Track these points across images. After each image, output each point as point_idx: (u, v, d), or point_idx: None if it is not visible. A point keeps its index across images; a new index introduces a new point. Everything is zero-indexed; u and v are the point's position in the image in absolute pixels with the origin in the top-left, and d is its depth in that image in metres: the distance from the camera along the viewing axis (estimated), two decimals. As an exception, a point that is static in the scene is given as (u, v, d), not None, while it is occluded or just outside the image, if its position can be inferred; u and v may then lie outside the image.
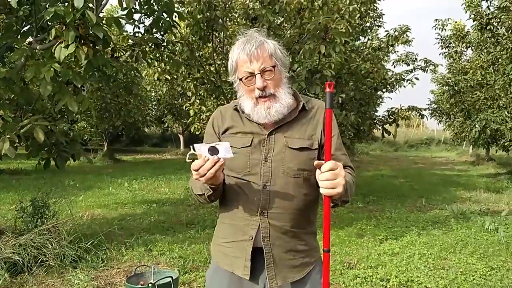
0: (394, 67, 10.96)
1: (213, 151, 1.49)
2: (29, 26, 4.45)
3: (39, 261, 4.22)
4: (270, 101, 1.63)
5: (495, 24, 10.96)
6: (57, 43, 3.68)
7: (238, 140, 1.69)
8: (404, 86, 10.20)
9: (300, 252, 1.70)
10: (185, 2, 6.71)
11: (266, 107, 1.63)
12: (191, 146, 1.54)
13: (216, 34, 7.34)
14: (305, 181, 1.65)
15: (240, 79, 1.66)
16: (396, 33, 9.49)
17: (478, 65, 12.54)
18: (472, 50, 14.36)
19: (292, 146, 1.65)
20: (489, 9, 11.25)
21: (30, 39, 4.43)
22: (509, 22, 10.15)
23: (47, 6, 4.00)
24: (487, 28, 11.03)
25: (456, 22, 14.12)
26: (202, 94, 7.84)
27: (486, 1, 11.40)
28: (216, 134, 1.77)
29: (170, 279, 3.15)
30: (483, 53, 12.54)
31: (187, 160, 1.56)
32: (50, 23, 4.05)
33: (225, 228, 1.76)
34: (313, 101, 1.76)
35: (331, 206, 1.54)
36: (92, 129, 16.67)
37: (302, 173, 1.64)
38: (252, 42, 1.63)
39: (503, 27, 10.64)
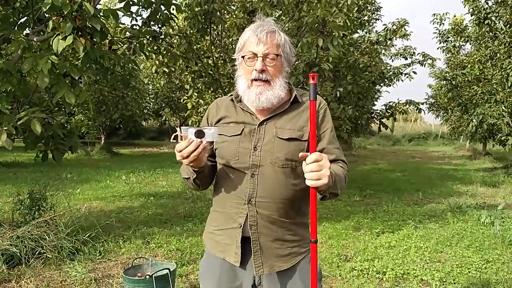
0: (392, 61, 10.97)
1: (199, 134, 1.54)
2: (26, 17, 4.43)
3: (36, 253, 4.23)
4: (264, 87, 1.67)
5: (493, 18, 10.98)
6: (55, 35, 3.66)
7: (230, 129, 1.73)
8: (402, 80, 10.21)
9: (289, 242, 1.70)
10: (183, -5, 6.67)
11: (258, 92, 1.67)
12: (177, 128, 1.60)
13: (214, 27, 7.31)
14: (293, 171, 1.66)
15: (243, 57, 1.70)
16: (394, 27, 9.48)
17: (476, 60, 12.56)
18: (470, 44, 14.37)
19: (281, 136, 1.67)
20: (487, 4, 11.26)
21: (27, 30, 4.41)
22: (507, 16, 10.16)
23: (44, -3, 3.98)
24: (485, 22, 11.04)
25: (454, 16, 14.12)
26: (200, 87, 7.82)
27: (484, -4, 11.42)
28: (208, 124, 1.82)
29: (167, 271, 3.16)
30: (481, 47, 12.54)
31: (171, 140, 1.61)
32: (47, 15, 4.03)
33: (216, 216, 1.80)
34: (305, 94, 1.78)
35: (320, 199, 1.59)
36: (90, 122, 16.64)
37: (290, 163, 1.65)
38: (265, 27, 1.68)
39: (501, 21, 10.65)
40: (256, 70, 1.65)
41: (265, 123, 1.71)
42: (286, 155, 1.65)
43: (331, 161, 1.58)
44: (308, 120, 1.64)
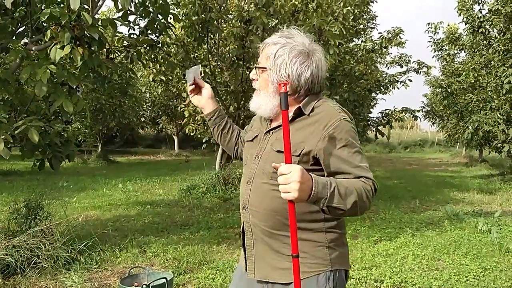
0: (388, 68, 11.04)
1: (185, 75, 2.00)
2: (24, 27, 4.44)
3: (32, 263, 4.20)
4: (255, 94, 1.76)
5: (487, 27, 11.08)
6: (53, 44, 3.67)
7: (250, 134, 1.86)
8: (398, 88, 10.28)
9: (288, 257, 1.57)
10: (180, 4, 6.72)
11: (252, 97, 1.77)
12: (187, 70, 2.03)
13: (211, 36, 7.36)
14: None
15: None
16: (390, 35, 9.56)
17: (471, 68, 12.65)
18: (465, 52, 14.48)
19: (275, 148, 1.66)
20: (481, 12, 11.37)
21: (25, 40, 4.42)
22: (501, 25, 10.25)
23: (42, 7, 4.00)
24: (479, 31, 11.14)
25: (449, 25, 14.23)
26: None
27: (478, 5, 11.53)
28: (247, 127, 2.01)
29: (164, 280, 3.16)
30: (475, 55, 12.64)
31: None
32: (45, 24, 4.04)
33: None
34: (321, 108, 1.66)
35: (322, 212, 1.51)
36: (87, 130, 16.61)
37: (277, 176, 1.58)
38: (270, 38, 1.71)
39: (495, 29, 10.75)
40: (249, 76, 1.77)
41: (270, 132, 1.73)
42: (273, 168, 1.57)
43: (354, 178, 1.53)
44: (309, 136, 1.60)
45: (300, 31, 1.71)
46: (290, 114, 1.64)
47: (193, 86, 1.97)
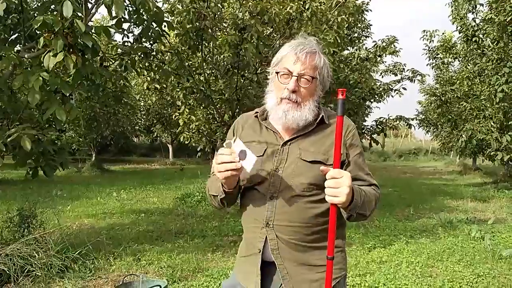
0: (382, 77, 11.10)
1: (242, 155, 1.51)
2: (17, 34, 4.44)
3: (25, 271, 4.17)
4: (292, 106, 1.62)
5: (480, 36, 11.18)
6: (46, 52, 3.67)
7: (252, 149, 1.61)
8: (392, 96, 10.32)
9: (318, 267, 1.61)
10: (175, 12, 6.74)
11: (285, 109, 1.61)
12: (231, 141, 1.55)
13: (206, 44, 7.38)
14: (315, 195, 1.58)
15: (277, 73, 1.64)
16: (384, 44, 9.62)
17: (465, 76, 12.74)
18: (459, 61, 14.59)
19: (305, 158, 1.60)
20: (475, 21, 11.48)
21: (18, 47, 4.42)
22: (494, 33, 10.35)
23: (35, 14, 4.00)
24: (473, 40, 11.24)
25: (443, 33, 14.35)
26: (192, 103, 7.85)
27: (472, 14, 11.64)
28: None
29: (158, 288, 3.14)
30: (469, 64, 12.74)
31: (221, 148, 1.55)
32: (38, 32, 4.04)
33: (242, 243, 1.78)
34: (333, 116, 1.67)
35: (346, 218, 1.55)
36: (80, 139, 16.55)
37: (312, 187, 1.58)
38: (306, 46, 1.62)
39: (488, 38, 10.84)
40: (288, 89, 1.60)
41: (289, 143, 1.65)
42: (309, 179, 1.57)
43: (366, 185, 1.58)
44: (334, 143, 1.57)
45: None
46: (311, 123, 1.66)
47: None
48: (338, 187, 1.39)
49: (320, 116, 1.66)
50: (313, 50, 1.62)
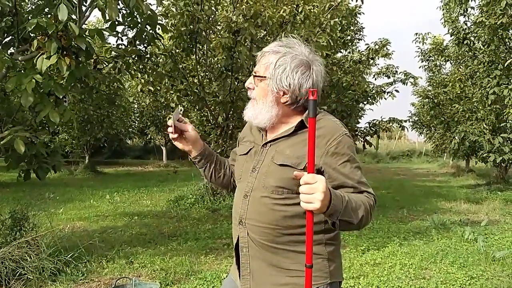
0: (375, 79, 11.15)
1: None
2: (11, 37, 4.42)
3: (17, 275, 4.15)
4: (251, 104, 1.69)
5: (472, 38, 11.28)
6: (39, 54, 3.66)
7: (242, 148, 1.78)
8: (385, 98, 10.36)
9: (288, 271, 1.59)
10: (169, 15, 6.75)
11: (247, 107, 1.70)
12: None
13: (200, 47, 7.39)
14: (286, 199, 1.57)
15: None
16: (377, 47, 9.67)
17: (457, 78, 12.84)
18: (451, 63, 14.70)
19: (276, 161, 1.60)
20: (466, 24, 11.58)
21: (11, 49, 4.40)
22: (485, 36, 10.44)
23: (29, 17, 3.99)
24: (464, 42, 11.33)
25: (435, 36, 14.45)
26: (186, 105, 7.85)
27: (464, 17, 11.74)
28: (238, 140, 1.93)
29: (151, 291, 3.13)
30: (461, 66, 12.84)
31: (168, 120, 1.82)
32: (32, 34, 4.03)
33: None
34: (323, 122, 1.62)
35: (331, 224, 1.48)
36: (74, 141, 16.47)
37: (281, 190, 1.57)
38: (269, 46, 1.66)
39: (480, 41, 10.94)
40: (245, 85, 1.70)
41: (269, 145, 1.67)
42: (277, 182, 1.58)
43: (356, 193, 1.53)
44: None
45: (299, 40, 1.66)
46: (292, 126, 1.64)
47: (174, 133, 1.77)
48: (312, 193, 1.31)
49: (299, 120, 1.62)
50: (270, 50, 1.62)
